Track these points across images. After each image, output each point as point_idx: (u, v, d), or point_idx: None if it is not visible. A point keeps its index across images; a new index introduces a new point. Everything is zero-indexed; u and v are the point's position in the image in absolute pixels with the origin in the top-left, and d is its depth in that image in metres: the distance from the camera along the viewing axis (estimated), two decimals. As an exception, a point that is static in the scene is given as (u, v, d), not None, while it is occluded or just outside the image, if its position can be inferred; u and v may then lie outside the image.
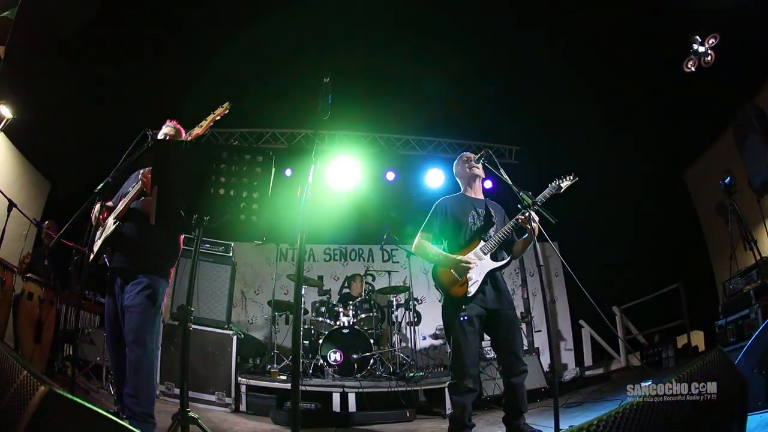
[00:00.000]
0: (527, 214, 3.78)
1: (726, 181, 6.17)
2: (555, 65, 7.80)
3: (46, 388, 1.51)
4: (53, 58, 6.66)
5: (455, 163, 4.48)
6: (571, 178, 4.01)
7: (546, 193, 3.96)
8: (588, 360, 9.00)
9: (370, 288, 7.97)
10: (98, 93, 7.44)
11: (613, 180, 8.66)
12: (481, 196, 4.34)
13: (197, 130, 3.78)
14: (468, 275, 3.88)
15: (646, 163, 8.51)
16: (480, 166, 4.27)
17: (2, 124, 6.79)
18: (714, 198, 7.24)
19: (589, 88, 7.81)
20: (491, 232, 4.07)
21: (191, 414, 2.81)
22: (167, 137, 4.04)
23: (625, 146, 8.46)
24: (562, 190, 4.00)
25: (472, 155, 4.37)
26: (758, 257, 5.86)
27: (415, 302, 7.65)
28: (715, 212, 7.33)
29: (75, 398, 1.57)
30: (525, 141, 9.80)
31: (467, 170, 4.32)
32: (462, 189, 4.39)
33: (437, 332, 8.52)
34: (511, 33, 7.53)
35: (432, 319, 8.59)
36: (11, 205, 5.58)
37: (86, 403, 1.60)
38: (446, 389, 4.03)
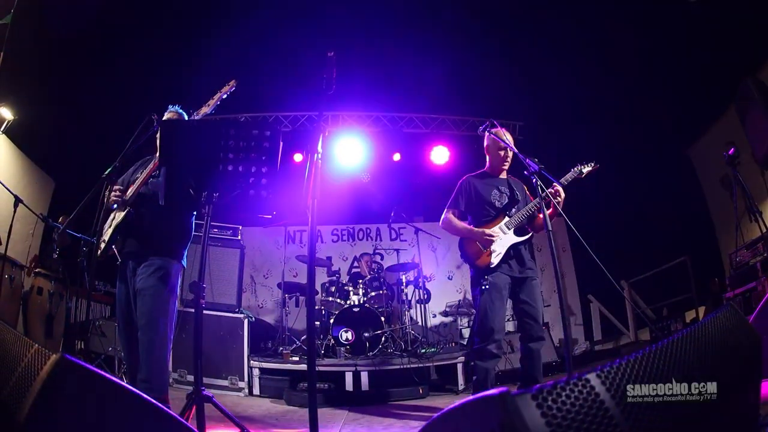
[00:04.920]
0: (556, 189, 4.03)
1: (729, 152, 6.11)
2: (558, 39, 7.72)
3: (58, 355, 1.51)
4: (50, 55, 6.62)
5: (489, 136, 4.50)
6: (593, 164, 4.31)
7: (569, 176, 4.25)
8: (597, 335, 9.03)
9: (379, 266, 7.98)
10: (98, 86, 7.38)
11: (618, 155, 8.60)
12: (504, 176, 4.54)
13: (204, 109, 3.71)
14: (492, 247, 4.11)
15: (651, 138, 8.46)
16: (508, 163, 4.47)
17: (3, 126, 6.78)
18: (719, 171, 7.22)
19: (593, 63, 7.74)
20: (514, 209, 4.30)
21: (206, 393, 2.83)
22: None
23: (630, 121, 8.41)
24: (583, 175, 4.29)
25: (508, 141, 4.39)
26: (764, 229, 5.82)
27: (425, 280, 7.67)
28: (719, 186, 7.30)
29: (87, 365, 1.58)
30: (529, 116, 9.71)
31: (500, 155, 4.45)
32: (487, 166, 4.58)
33: (447, 309, 8.57)
34: (513, 7, 7.44)
35: (442, 296, 8.65)
36: (17, 201, 5.56)
37: (98, 371, 1.60)
38: (471, 354, 4.21)
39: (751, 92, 6.57)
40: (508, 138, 4.36)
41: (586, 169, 4.27)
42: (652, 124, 8.25)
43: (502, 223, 4.21)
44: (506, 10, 7.45)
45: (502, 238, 4.15)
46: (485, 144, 4.55)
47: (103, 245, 3.80)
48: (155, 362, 3.52)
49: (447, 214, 4.42)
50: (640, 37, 7.15)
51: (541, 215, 4.16)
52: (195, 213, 4.01)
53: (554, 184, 4.02)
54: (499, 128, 4.39)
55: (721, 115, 7.64)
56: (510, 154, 4.41)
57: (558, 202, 3.96)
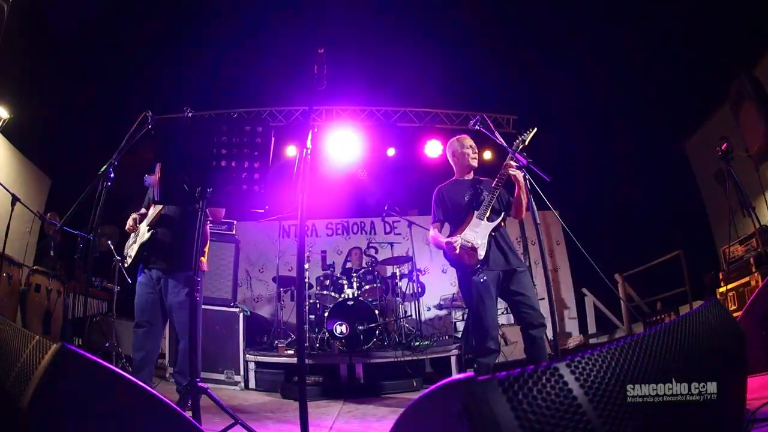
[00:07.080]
0: (507, 161, 4.11)
1: (723, 147, 6.18)
2: (553, 34, 7.74)
3: (58, 345, 1.58)
4: (45, 54, 6.64)
5: (453, 144, 4.68)
6: (531, 129, 4.23)
7: (515, 147, 4.12)
8: (592, 328, 9.08)
9: (373, 260, 8.01)
10: (93, 83, 7.41)
11: (613, 149, 8.65)
12: (470, 176, 4.63)
13: None
14: (474, 242, 4.13)
15: (646, 132, 8.50)
16: (476, 158, 4.59)
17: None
18: (713, 166, 7.26)
19: (588, 57, 7.77)
20: (480, 199, 4.34)
21: (201, 385, 2.90)
22: None
23: (625, 115, 8.44)
24: (526, 143, 4.18)
25: (472, 143, 4.60)
26: (757, 225, 5.86)
27: (419, 273, 7.71)
28: (714, 180, 7.35)
29: (87, 354, 1.64)
30: (522, 109, 9.74)
31: (467, 159, 4.58)
32: (456, 173, 4.68)
33: (441, 303, 8.60)
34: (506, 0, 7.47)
35: (436, 289, 8.68)
36: (15, 199, 5.59)
37: (98, 359, 1.66)
38: (472, 352, 4.26)
39: (745, 88, 6.64)
40: (469, 143, 4.57)
41: (528, 137, 4.18)
42: (647, 119, 8.29)
43: (474, 217, 4.23)
44: (499, 3, 7.47)
45: (478, 231, 4.16)
46: (448, 155, 4.70)
47: (129, 260, 4.41)
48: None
49: (433, 230, 4.52)
50: (636, 31, 7.19)
51: (517, 199, 4.26)
52: (210, 220, 4.46)
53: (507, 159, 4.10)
54: (462, 135, 4.63)
55: (716, 110, 7.69)
56: (475, 155, 4.58)
57: (512, 176, 4.07)
